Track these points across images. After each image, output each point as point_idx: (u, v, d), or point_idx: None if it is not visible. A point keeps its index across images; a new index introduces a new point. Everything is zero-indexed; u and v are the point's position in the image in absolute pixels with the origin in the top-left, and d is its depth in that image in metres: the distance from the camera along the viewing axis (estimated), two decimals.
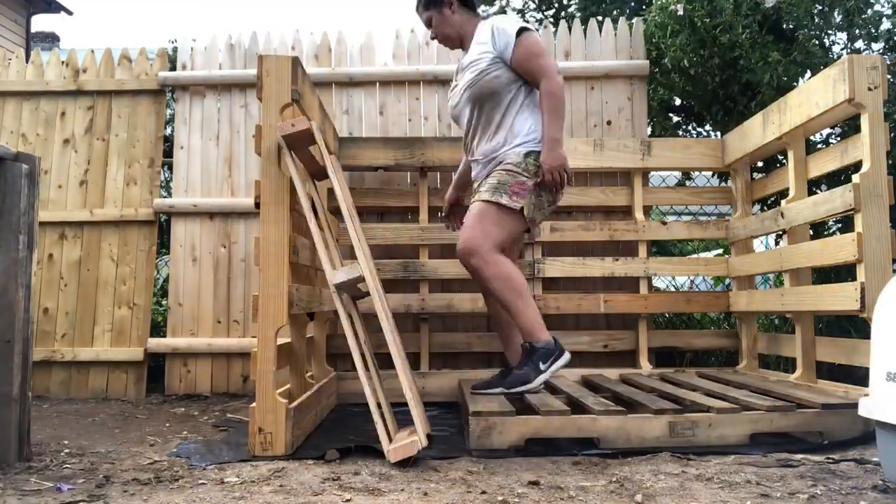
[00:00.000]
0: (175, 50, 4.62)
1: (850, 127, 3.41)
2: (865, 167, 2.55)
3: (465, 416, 2.44)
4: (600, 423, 2.34)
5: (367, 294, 2.49)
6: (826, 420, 2.37)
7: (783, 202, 3.12)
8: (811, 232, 3.30)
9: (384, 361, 3.79)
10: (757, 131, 3.30)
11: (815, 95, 2.80)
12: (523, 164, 2.74)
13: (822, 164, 3.05)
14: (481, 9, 7.37)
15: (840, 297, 2.64)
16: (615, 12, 5.73)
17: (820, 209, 2.81)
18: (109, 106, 4.11)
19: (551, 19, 6.40)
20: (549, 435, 2.32)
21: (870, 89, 2.54)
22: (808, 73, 3.64)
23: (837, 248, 2.66)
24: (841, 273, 3.40)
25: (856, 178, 2.56)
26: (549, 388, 3.08)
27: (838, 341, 2.89)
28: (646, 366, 3.60)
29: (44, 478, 2.04)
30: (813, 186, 3.52)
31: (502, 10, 6.88)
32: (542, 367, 2.59)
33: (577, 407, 2.53)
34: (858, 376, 2.98)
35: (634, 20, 4.07)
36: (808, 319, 3.04)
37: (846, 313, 2.80)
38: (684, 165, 3.88)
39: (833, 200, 2.70)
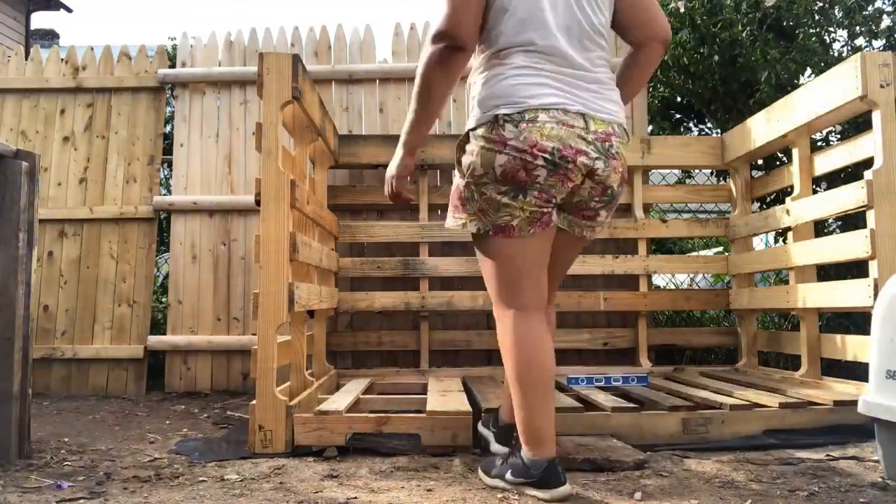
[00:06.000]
0: (174, 47, 4.62)
1: (850, 125, 3.41)
2: (878, 164, 2.54)
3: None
4: (614, 420, 2.36)
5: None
6: (838, 417, 2.39)
7: (788, 199, 3.11)
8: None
9: (387, 360, 3.81)
10: (760, 129, 3.30)
11: (824, 93, 2.79)
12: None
13: (829, 161, 3.05)
14: None
15: (851, 294, 2.64)
16: None
17: (829, 206, 2.81)
18: (109, 103, 4.11)
19: None
20: (561, 432, 2.32)
21: (882, 86, 2.54)
22: (809, 71, 3.64)
23: (849, 245, 2.65)
24: (841, 271, 3.40)
25: (868, 174, 2.55)
26: (557, 385, 3.09)
27: (845, 338, 2.89)
28: (645, 363, 3.60)
29: (44, 475, 2.04)
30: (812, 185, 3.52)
31: None
32: (507, 476, 1.85)
33: (588, 404, 2.56)
34: (858, 374, 2.98)
35: None
36: (814, 317, 3.04)
37: (857, 310, 2.79)
38: (684, 163, 3.88)
39: (844, 197, 2.69)
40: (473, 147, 1.82)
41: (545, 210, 1.82)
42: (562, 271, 2.08)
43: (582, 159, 1.77)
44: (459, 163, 1.89)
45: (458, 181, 1.90)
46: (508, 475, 1.84)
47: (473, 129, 1.84)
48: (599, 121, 1.82)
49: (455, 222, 1.91)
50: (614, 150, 1.84)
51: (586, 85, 1.82)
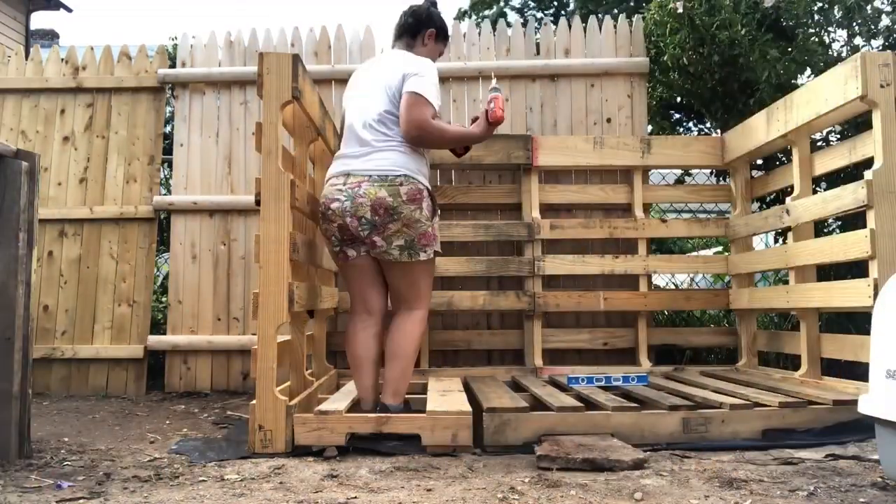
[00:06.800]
0: (175, 47, 4.62)
1: (850, 125, 3.41)
2: (878, 164, 2.54)
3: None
4: (614, 419, 2.36)
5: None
6: (837, 416, 2.39)
7: (788, 199, 3.11)
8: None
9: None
10: (760, 129, 3.30)
11: (824, 92, 2.79)
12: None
13: (829, 161, 3.05)
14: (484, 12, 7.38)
15: (851, 294, 2.64)
16: (615, 10, 5.73)
17: (829, 206, 2.81)
18: (109, 103, 4.11)
19: (551, 17, 6.40)
20: (563, 431, 2.33)
21: (882, 86, 2.54)
22: (808, 71, 3.64)
23: (849, 245, 2.65)
24: (840, 271, 3.39)
25: (868, 174, 2.55)
26: (558, 385, 3.09)
27: (846, 338, 2.89)
28: (645, 363, 3.60)
29: (44, 475, 2.04)
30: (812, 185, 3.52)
31: (501, 11, 6.87)
32: None
33: (589, 404, 2.56)
34: (858, 373, 2.98)
35: (634, 17, 4.06)
36: (814, 316, 3.04)
37: (857, 310, 2.79)
38: (684, 163, 3.88)
39: (844, 197, 2.69)
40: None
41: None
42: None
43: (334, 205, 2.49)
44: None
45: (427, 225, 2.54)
46: None
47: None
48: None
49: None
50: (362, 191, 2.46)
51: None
